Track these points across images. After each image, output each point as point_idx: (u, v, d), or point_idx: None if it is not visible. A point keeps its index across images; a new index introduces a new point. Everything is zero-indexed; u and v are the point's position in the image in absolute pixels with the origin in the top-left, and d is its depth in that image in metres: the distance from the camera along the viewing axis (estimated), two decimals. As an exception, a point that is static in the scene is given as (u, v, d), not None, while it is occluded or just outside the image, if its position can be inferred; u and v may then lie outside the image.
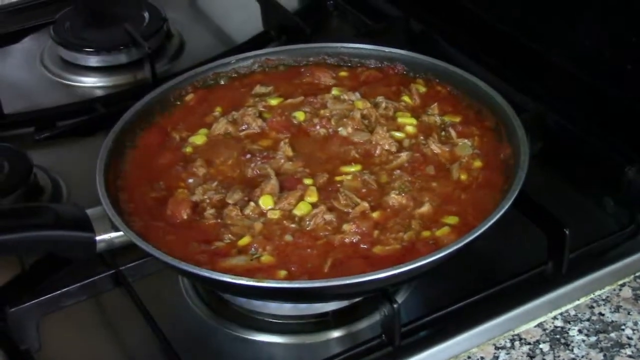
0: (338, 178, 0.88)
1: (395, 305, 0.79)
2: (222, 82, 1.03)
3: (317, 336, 0.87)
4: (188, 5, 1.44)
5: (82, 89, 1.25)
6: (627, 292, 0.89)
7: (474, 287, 0.87)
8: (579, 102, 1.03)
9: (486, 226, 0.79)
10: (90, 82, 1.25)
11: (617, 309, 0.87)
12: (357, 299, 0.86)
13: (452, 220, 0.83)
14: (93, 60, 1.26)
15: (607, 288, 0.89)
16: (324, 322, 0.87)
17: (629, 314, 0.86)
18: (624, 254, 0.91)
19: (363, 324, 0.87)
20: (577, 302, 0.88)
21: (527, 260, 0.89)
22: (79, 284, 0.87)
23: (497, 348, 0.84)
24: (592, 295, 0.89)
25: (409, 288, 0.90)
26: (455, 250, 0.77)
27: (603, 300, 0.88)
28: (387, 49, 1.03)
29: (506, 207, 0.80)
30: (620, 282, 0.90)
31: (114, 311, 0.90)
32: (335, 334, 0.87)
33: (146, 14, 1.31)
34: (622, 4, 0.96)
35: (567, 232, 0.85)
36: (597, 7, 1.00)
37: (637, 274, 0.91)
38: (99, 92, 1.24)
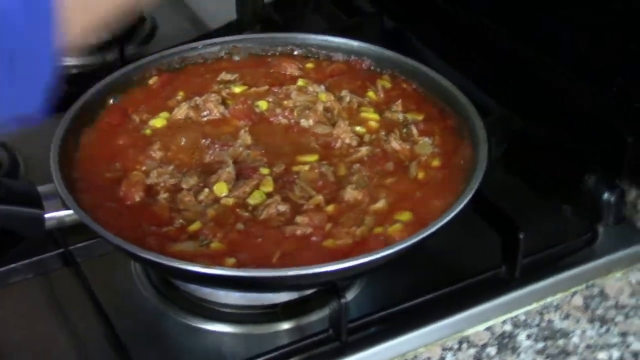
0: (295, 168, 0.87)
1: (342, 300, 0.78)
2: (188, 67, 1.02)
3: (266, 327, 0.86)
4: (162, -11, 1.43)
5: (48, 67, 1.23)
6: (578, 300, 0.88)
7: (428, 286, 0.86)
8: (544, 107, 1.02)
9: (438, 225, 0.78)
10: (57, 60, 1.24)
11: (567, 316, 0.87)
12: (308, 292, 0.85)
13: (405, 217, 0.82)
14: (61, 40, 1.24)
15: (559, 295, 0.89)
16: (273, 314, 0.86)
17: (577, 322, 0.86)
18: (578, 262, 0.91)
19: (313, 317, 0.86)
20: (528, 308, 0.87)
21: (484, 262, 0.89)
22: (26, 261, 0.86)
23: (444, 349, 0.83)
24: (543, 302, 0.88)
25: (362, 284, 0.89)
26: (405, 248, 0.77)
27: (554, 307, 0.88)
28: (355, 43, 1.02)
29: (460, 207, 0.80)
30: (573, 290, 0.89)
31: (63, 291, 0.89)
32: (285, 325, 0.86)
33: (119, -4, 1.29)
34: (602, 5, 0.95)
35: (520, 236, 0.85)
36: (571, 7, 0.99)
37: (590, 283, 0.90)
38: (65, 72, 1.22)
